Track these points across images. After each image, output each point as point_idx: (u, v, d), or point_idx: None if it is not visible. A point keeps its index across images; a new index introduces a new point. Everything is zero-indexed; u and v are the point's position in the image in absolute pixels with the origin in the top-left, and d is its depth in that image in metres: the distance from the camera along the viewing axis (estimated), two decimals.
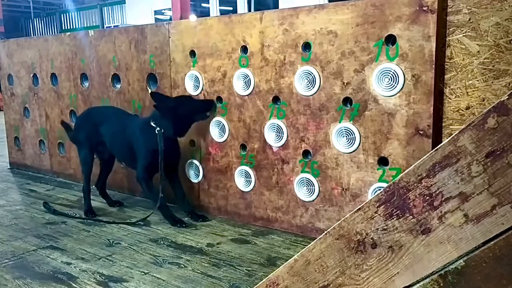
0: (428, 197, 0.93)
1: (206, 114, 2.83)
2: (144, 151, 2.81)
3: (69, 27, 22.42)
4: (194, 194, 3.05)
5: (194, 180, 3.04)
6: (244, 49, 2.67)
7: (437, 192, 0.92)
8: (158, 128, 2.71)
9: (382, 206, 0.99)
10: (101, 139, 3.02)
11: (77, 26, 22.00)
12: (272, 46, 2.54)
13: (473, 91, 2.02)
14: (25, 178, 4.13)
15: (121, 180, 3.52)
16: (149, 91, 3.06)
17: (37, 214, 3.04)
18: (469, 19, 1.98)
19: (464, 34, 2.01)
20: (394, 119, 2.18)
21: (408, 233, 0.96)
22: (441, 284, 0.94)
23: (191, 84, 2.96)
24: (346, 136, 2.34)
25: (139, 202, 3.29)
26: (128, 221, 2.82)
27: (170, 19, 15.41)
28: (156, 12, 17.58)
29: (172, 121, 2.72)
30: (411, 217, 0.96)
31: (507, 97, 0.84)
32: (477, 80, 2.00)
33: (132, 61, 3.28)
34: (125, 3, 19.09)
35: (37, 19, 23.98)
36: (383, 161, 2.26)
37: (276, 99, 2.60)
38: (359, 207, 1.02)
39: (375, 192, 2.27)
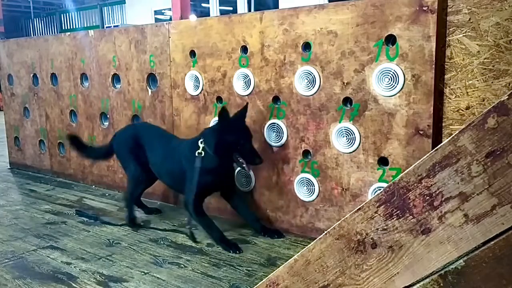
0: (428, 197, 0.93)
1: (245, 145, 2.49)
2: (193, 172, 2.49)
3: (69, 27, 22.41)
4: None
5: None
6: (244, 49, 2.67)
7: (437, 192, 0.92)
8: (202, 145, 2.47)
9: (382, 206, 0.99)
10: (146, 160, 2.79)
11: (77, 26, 22.00)
12: (272, 46, 2.54)
13: (473, 91, 2.02)
14: (25, 178, 4.13)
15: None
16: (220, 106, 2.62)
17: (37, 214, 3.04)
18: (469, 19, 1.98)
19: (464, 34, 2.01)
20: (394, 119, 2.18)
21: (408, 233, 0.96)
22: (441, 284, 0.94)
23: (191, 84, 2.96)
24: (346, 136, 2.34)
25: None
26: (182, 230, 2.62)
27: (170, 19, 15.41)
28: (156, 12, 17.58)
29: (217, 140, 2.45)
30: (411, 217, 0.96)
31: (507, 97, 0.84)
32: (477, 80, 2.00)
33: (132, 61, 3.28)
34: (125, 3, 19.09)
35: (37, 19, 23.97)
36: (383, 161, 2.26)
37: (276, 99, 2.60)
38: (359, 207, 1.02)
39: (375, 192, 2.27)
